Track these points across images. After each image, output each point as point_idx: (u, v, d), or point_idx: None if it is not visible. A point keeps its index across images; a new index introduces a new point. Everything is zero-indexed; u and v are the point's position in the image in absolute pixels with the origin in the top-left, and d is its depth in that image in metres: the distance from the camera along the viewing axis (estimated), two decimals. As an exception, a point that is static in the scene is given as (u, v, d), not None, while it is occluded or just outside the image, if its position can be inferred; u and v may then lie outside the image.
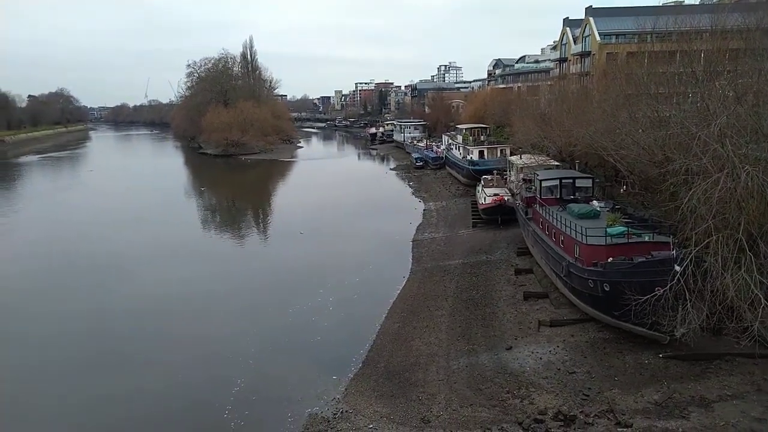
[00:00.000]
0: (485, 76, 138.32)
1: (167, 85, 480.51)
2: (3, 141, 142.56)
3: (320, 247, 37.96)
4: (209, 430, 17.26)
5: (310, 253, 36.47)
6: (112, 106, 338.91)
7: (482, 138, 59.85)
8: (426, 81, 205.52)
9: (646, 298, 17.10)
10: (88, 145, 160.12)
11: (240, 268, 34.36)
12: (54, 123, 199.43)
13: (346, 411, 17.29)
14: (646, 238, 20.90)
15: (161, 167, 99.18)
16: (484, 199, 40.34)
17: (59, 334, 24.12)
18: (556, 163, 38.44)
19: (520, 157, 42.06)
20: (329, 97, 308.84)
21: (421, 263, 32.94)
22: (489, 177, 44.65)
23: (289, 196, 64.63)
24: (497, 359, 19.80)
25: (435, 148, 79.44)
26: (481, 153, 55.36)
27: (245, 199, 62.95)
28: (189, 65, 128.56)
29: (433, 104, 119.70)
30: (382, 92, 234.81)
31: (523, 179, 36.52)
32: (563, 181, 29.36)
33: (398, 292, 28.16)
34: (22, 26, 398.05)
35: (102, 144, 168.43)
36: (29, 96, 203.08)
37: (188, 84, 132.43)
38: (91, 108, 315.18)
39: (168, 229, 44.69)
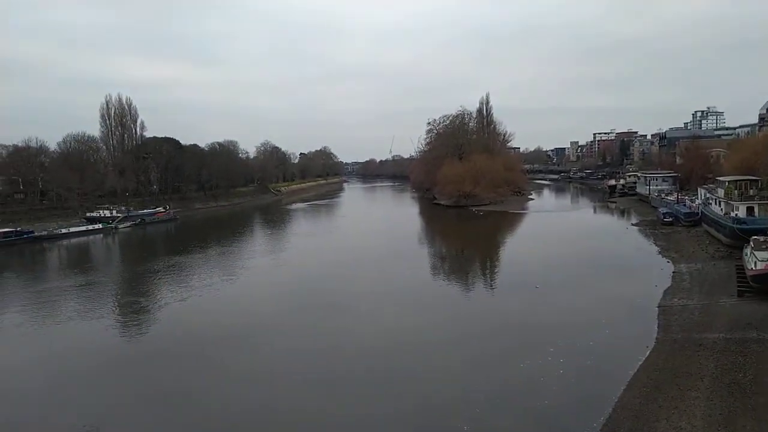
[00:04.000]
0: (755, 120, 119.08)
1: (408, 142, 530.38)
2: (280, 191, 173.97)
3: (551, 302, 36.32)
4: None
5: (540, 307, 35.18)
6: (362, 161, 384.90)
7: (751, 192, 51.24)
8: (677, 129, 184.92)
9: None
10: (342, 195, 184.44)
11: (467, 317, 34.80)
12: (317, 176, 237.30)
13: (577, 487, 15.92)
14: None
15: (399, 216, 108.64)
16: (755, 263, 34.06)
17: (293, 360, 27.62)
18: None
19: (807, 216, 34.78)
20: (564, 149, 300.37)
21: (669, 333, 28.99)
22: (761, 238, 37.77)
23: (518, 248, 63.73)
24: (775, 463, 16.11)
25: (688, 202, 70.85)
26: (750, 209, 47.83)
27: (474, 249, 64.13)
28: (429, 123, 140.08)
29: (687, 154, 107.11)
30: (623, 142, 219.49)
31: (812, 243, 30.01)
32: None
33: (640, 362, 25.06)
34: (304, 102, 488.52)
35: (353, 194, 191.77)
36: (300, 153, 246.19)
37: (427, 140, 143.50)
38: (345, 163, 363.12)
39: (398, 274, 47.89)
